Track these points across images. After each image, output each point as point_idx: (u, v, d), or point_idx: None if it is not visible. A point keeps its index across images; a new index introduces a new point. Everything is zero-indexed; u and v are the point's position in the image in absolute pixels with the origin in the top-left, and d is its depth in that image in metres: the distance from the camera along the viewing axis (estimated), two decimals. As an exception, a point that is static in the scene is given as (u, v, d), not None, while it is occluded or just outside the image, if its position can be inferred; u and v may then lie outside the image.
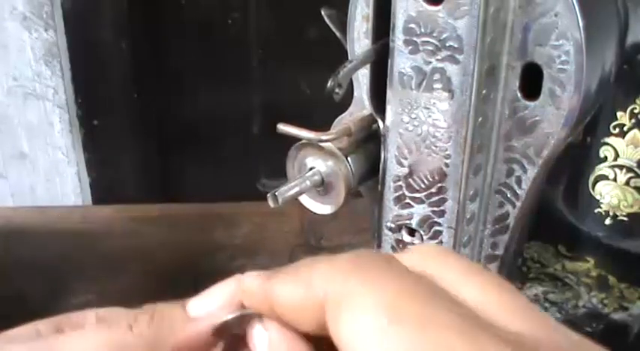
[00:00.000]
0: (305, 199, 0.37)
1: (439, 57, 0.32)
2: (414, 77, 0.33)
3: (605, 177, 0.47)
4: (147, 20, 0.75)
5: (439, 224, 0.35)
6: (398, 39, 0.33)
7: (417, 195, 0.36)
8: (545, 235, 0.51)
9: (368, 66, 0.37)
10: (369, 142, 0.37)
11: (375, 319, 0.21)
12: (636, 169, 0.46)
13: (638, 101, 0.44)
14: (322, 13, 0.40)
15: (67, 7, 0.72)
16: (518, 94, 0.34)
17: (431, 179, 0.35)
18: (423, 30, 0.32)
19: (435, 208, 0.35)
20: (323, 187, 0.37)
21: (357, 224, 0.58)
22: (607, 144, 0.46)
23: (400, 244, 0.37)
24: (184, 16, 0.76)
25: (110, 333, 0.26)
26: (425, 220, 0.36)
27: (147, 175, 0.83)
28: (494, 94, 0.34)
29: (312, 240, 0.73)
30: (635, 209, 0.47)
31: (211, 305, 0.26)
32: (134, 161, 0.82)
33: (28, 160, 0.81)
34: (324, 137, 0.36)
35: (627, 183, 0.47)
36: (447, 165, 0.34)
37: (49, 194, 0.83)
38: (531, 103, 0.34)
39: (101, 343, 0.25)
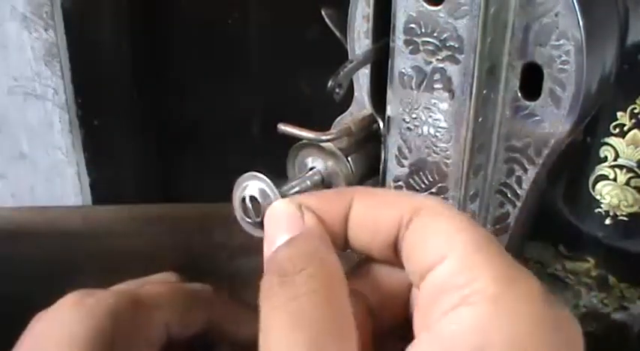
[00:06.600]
0: (305, 199, 0.37)
1: (439, 57, 0.32)
2: (415, 77, 0.33)
3: (605, 177, 0.47)
4: (147, 20, 0.75)
5: (439, 224, 0.35)
6: (398, 39, 0.33)
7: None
8: (545, 235, 0.51)
9: (368, 66, 0.37)
10: (369, 142, 0.37)
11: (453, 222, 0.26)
12: (636, 169, 0.46)
13: (638, 101, 0.44)
14: (322, 13, 0.40)
15: (67, 7, 0.72)
16: (519, 94, 0.34)
17: (431, 179, 0.35)
18: (423, 30, 0.32)
19: (436, 208, 0.35)
20: (323, 187, 0.36)
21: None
22: (607, 144, 0.46)
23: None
24: (184, 15, 0.76)
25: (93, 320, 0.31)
26: (425, 220, 0.36)
27: (147, 175, 0.83)
28: (495, 94, 0.34)
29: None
30: (635, 209, 0.47)
31: None
32: (134, 161, 0.82)
33: (28, 160, 0.81)
34: (324, 137, 0.35)
35: (627, 183, 0.47)
36: (447, 165, 0.34)
37: (49, 194, 0.83)
38: (532, 103, 0.34)
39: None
